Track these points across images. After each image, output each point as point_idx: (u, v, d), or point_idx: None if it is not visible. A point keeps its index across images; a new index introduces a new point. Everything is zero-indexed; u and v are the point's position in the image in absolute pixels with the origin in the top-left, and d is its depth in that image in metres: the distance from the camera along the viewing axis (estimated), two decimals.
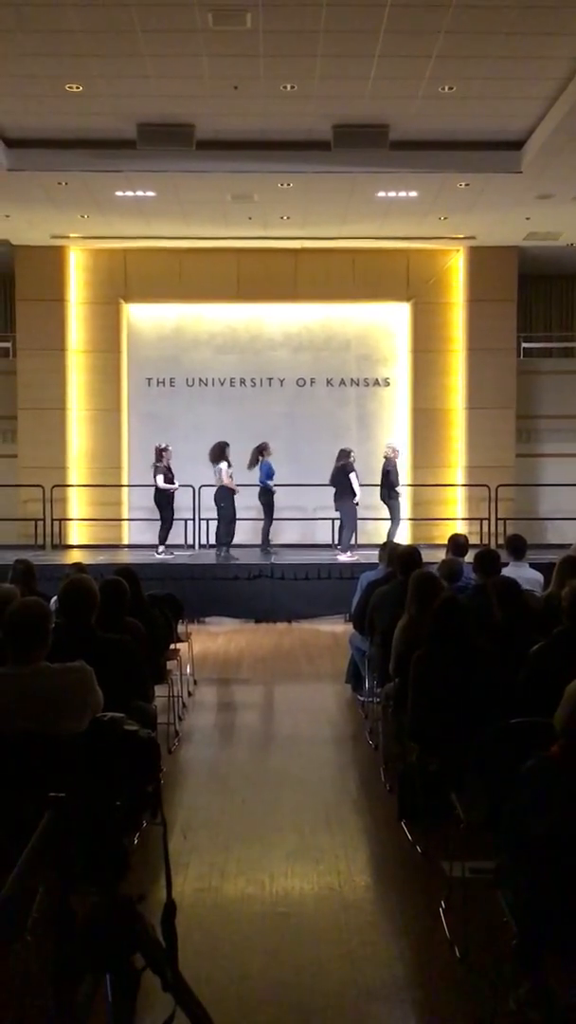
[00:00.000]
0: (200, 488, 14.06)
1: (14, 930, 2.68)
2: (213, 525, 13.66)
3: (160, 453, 13.23)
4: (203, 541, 14.45)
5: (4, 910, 1.94)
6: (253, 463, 13.25)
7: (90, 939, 2.03)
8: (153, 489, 13.28)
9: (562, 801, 2.82)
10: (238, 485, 13.13)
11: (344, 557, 12.81)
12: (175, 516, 13.48)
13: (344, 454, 13.14)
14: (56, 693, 3.46)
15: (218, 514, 13.13)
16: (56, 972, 2.01)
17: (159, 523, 13.34)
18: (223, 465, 12.97)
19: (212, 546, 13.59)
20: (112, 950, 2.04)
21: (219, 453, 13.06)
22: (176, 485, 13.29)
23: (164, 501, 13.23)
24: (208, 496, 13.53)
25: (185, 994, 2.08)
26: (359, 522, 13.61)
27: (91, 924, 2.05)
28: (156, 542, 13.37)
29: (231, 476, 13.03)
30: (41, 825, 1.95)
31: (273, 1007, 3.44)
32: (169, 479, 13.20)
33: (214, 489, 13.18)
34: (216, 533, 13.33)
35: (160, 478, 13.11)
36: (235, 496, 13.06)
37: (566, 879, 2.74)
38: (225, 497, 12.99)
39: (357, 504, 13.09)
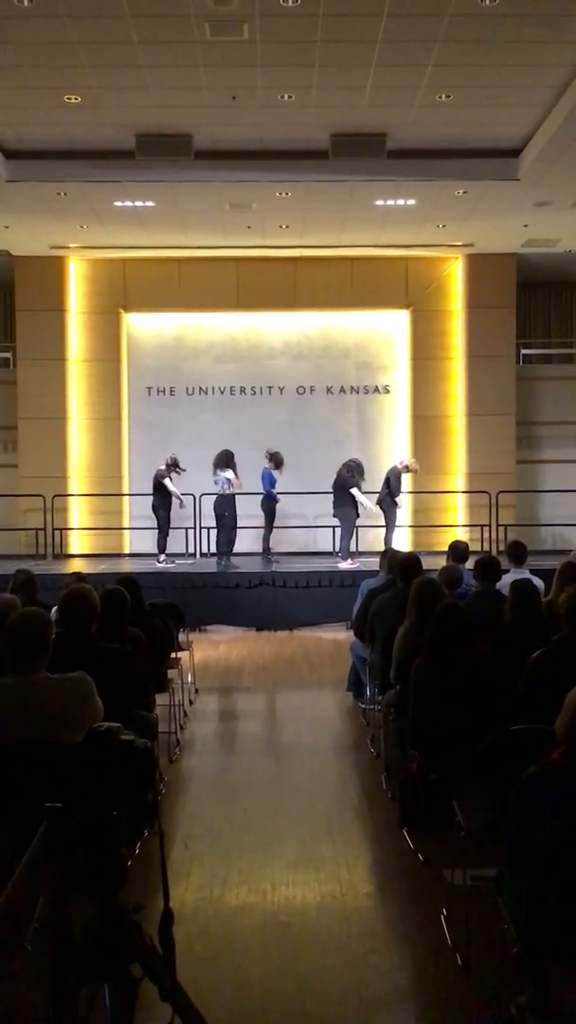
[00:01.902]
0: (201, 496, 14.06)
1: (14, 940, 2.67)
2: (214, 533, 13.67)
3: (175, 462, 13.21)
4: (204, 549, 14.44)
5: (3, 920, 1.94)
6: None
7: (88, 949, 2.03)
8: (155, 495, 13.22)
9: (563, 808, 2.81)
10: (242, 494, 13.12)
11: (344, 565, 12.81)
12: (172, 525, 13.44)
13: (353, 468, 13.04)
14: (56, 703, 3.46)
15: (219, 523, 13.09)
16: (54, 982, 2.01)
17: (156, 532, 13.34)
18: (229, 473, 12.91)
19: (213, 555, 13.58)
20: (110, 959, 2.04)
21: (228, 460, 12.99)
22: (180, 501, 13.23)
23: (162, 507, 13.19)
24: (208, 504, 13.51)
25: (183, 1003, 2.08)
26: (360, 530, 13.61)
27: (89, 934, 2.04)
28: (156, 551, 13.37)
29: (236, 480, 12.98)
30: (38, 835, 1.95)
31: (275, 1016, 3.43)
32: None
33: (214, 498, 13.11)
34: (217, 542, 13.29)
35: (168, 481, 13.08)
36: (235, 503, 13.05)
37: (567, 886, 2.74)
38: (228, 506, 12.96)
39: (360, 513, 13.07)
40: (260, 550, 13.53)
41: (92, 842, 2.02)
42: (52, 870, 2.03)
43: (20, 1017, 2.89)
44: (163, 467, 13.17)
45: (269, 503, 13.31)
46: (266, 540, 13.45)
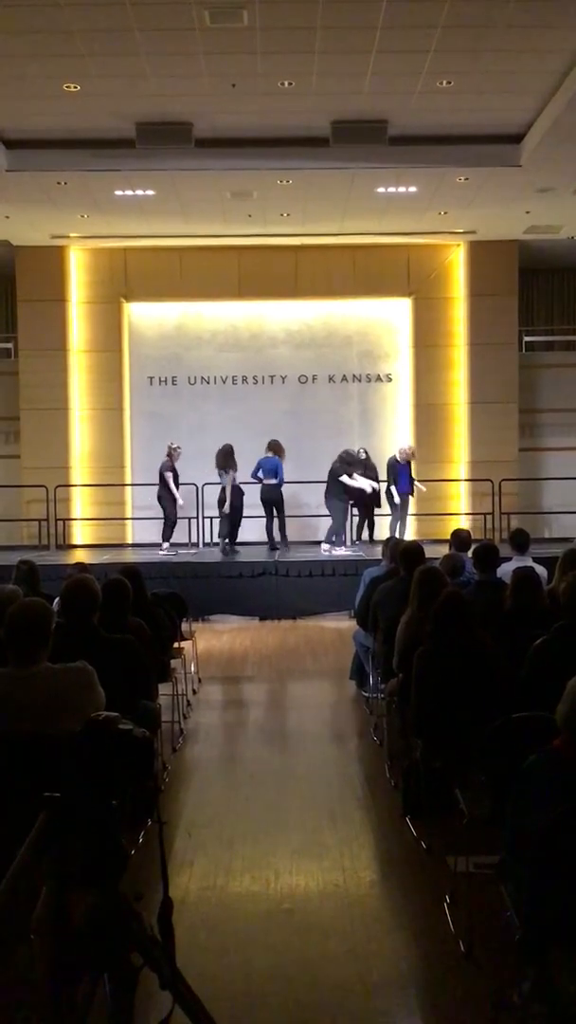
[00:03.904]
0: (203, 486, 14.08)
1: (17, 930, 2.68)
2: (216, 524, 13.76)
3: (170, 451, 13.25)
4: (207, 539, 14.45)
5: (4, 910, 1.94)
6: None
7: (88, 938, 2.03)
8: (160, 486, 13.25)
9: (564, 794, 2.82)
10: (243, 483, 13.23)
11: (339, 551, 12.89)
12: (179, 515, 13.47)
13: (343, 459, 13.17)
14: (57, 693, 3.46)
15: (231, 513, 13.15)
16: (55, 971, 2.01)
17: (163, 521, 13.38)
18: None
19: (215, 544, 13.64)
20: (110, 948, 2.04)
21: (228, 459, 13.10)
22: (177, 499, 13.26)
23: (166, 498, 13.24)
24: (209, 493, 13.53)
25: (183, 991, 2.08)
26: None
27: (89, 923, 2.05)
28: (159, 541, 13.39)
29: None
30: (37, 825, 1.95)
31: (278, 1003, 3.44)
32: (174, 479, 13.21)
33: (232, 490, 13.12)
34: (231, 532, 13.30)
35: (169, 475, 13.14)
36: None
37: (568, 872, 2.74)
38: (238, 497, 13.12)
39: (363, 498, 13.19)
40: (266, 540, 13.55)
41: (91, 832, 2.02)
42: (52, 860, 2.03)
43: (22, 1006, 2.89)
44: (166, 458, 13.21)
45: (280, 492, 13.33)
46: (283, 529, 13.47)
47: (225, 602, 12.28)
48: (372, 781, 5.89)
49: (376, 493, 13.58)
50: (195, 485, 14.04)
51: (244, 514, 13.42)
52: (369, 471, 13.73)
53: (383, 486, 13.73)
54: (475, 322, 15.32)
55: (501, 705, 4.12)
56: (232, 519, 13.22)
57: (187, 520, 14.28)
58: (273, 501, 13.37)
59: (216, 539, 13.62)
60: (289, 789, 5.81)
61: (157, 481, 13.32)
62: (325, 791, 5.73)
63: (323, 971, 3.64)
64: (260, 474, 13.24)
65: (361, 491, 13.25)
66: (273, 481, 13.23)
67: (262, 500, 13.39)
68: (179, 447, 13.34)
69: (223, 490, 13.07)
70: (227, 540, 13.18)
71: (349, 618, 11.04)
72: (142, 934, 2.06)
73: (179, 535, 13.89)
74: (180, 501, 13.25)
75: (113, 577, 5.71)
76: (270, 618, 12.28)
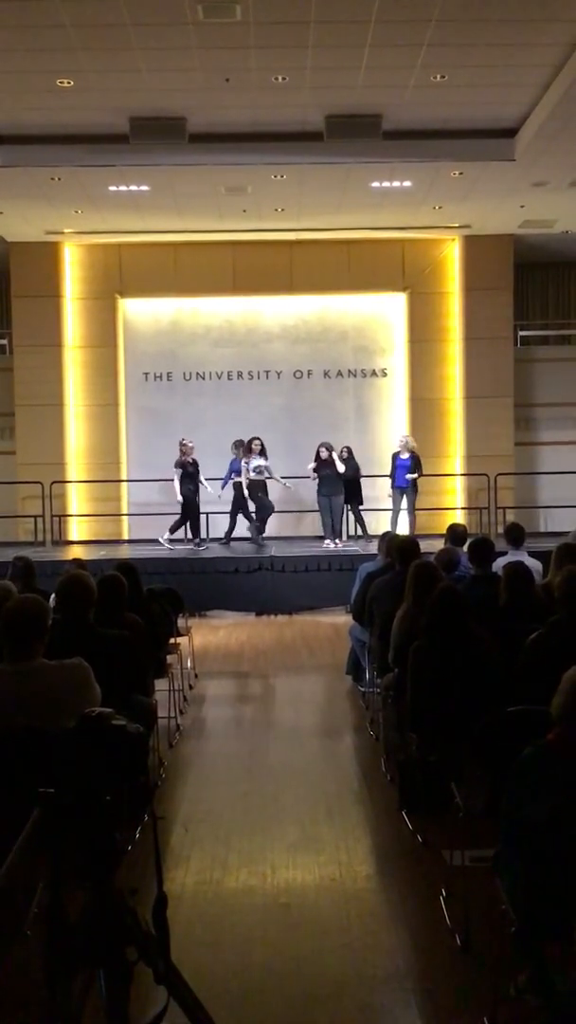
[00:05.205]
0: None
1: (13, 926, 2.69)
2: (214, 519, 13.76)
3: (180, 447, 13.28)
4: (203, 534, 14.42)
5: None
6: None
7: (82, 933, 2.03)
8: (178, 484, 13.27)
9: (559, 788, 2.82)
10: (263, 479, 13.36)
11: (329, 545, 12.93)
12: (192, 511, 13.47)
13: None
14: (53, 689, 3.47)
15: (258, 504, 13.28)
16: (50, 966, 2.01)
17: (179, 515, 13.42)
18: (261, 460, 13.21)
19: (217, 539, 13.68)
20: (104, 944, 2.04)
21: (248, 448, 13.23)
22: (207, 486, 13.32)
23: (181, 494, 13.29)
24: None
25: (178, 985, 2.09)
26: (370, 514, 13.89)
27: (83, 918, 2.05)
28: (156, 536, 13.40)
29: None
30: (31, 821, 1.95)
31: (275, 998, 3.44)
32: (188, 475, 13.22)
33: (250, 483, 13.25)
34: (259, 525, 13.40)
35: (177, 471, 13.17)
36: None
37: (563, 866, 2.75)
38: (262, 488, 13.28)
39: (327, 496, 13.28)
40: (283, 535, 13.61)
41: (85, 827, 2.02)
42: (47, 856, 2.03)
43: (17, 1001, 2.90)
44: (179, 455, 13.25)
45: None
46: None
47: (221, 597, 12.28)
48: (368, 776, 5.90)
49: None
50: None
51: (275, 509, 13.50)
52: (350, 469, 13.62)
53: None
54: (470, 317, 15.32)
55: (496, 699, 4.13)
56: (258, 511, 13.29)
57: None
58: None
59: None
60: (285, 784, 5.82)
61: (160, 478, 13.34)
62: (321, 786, 5.74)
63: (320, 965, 3.65)
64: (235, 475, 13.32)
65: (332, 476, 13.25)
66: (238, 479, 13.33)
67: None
68: (190, 442, 13.33)
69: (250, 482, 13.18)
70: (257, 530, 13.29)
71: (345, 613, 11.04)
72: (137, 928, 2.06)
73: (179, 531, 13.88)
74: (211, 491, 13.39)
75: (109, 573, 5.71)
76: (266, 613, 12.28)
